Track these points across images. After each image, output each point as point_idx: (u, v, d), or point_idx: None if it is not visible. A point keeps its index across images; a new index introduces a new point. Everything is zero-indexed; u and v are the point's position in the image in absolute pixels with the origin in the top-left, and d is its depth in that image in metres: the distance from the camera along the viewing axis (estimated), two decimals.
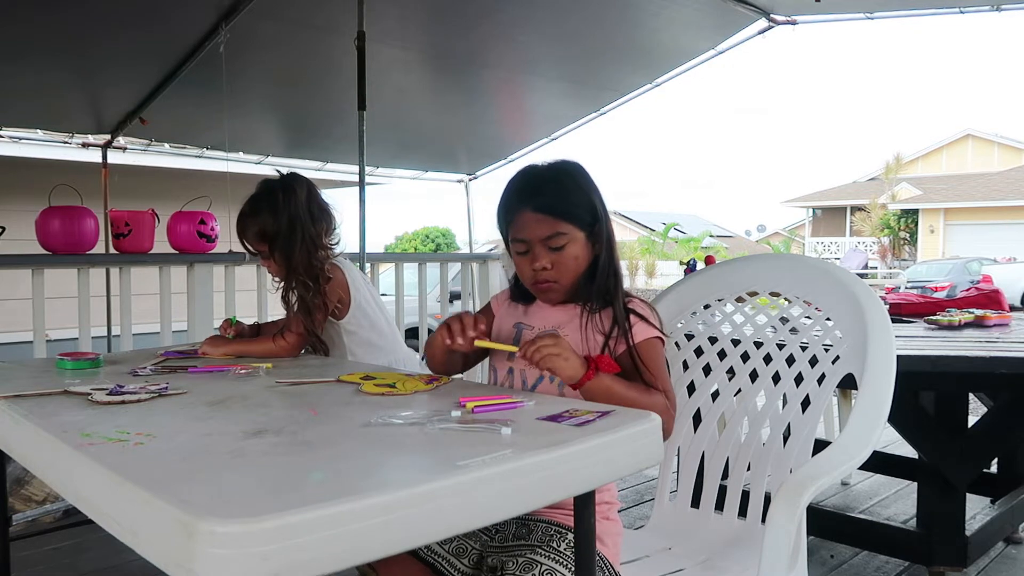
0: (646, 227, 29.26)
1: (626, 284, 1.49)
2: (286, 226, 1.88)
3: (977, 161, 28.49)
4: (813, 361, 1.59)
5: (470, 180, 6.46)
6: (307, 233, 1.88)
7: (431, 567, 1.35)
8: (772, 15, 4.44)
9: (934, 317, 2.62)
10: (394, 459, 0.97)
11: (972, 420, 2.43)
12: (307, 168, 6.70)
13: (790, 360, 1.63)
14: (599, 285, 1.43)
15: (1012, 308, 3.00)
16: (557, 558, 1.25)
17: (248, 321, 2.07)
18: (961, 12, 4.14)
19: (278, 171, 1.98)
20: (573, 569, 1.23)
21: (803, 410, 1.58)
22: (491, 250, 5.12)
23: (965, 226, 24.39)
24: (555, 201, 1.40)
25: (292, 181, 1.93)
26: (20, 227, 3.45)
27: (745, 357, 1.69)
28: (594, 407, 1.17)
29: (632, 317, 1.42)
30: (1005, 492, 2.63)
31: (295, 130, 5.74)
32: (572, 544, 1.26)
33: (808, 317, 1.68)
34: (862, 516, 2.83)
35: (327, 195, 2.02)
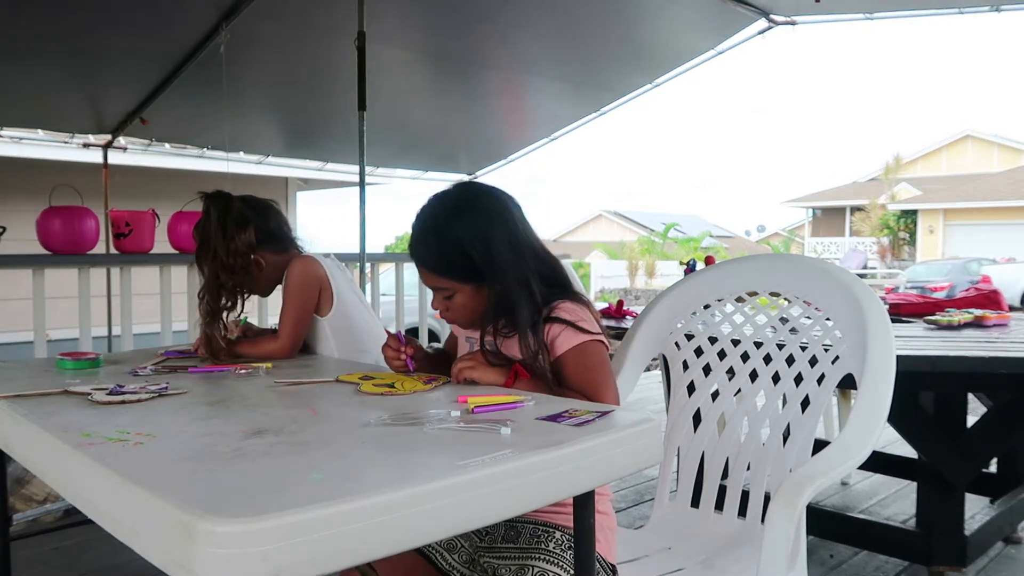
0: (646, 227, 29.26)
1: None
2: (201, 245, 1.90)
3: (977, 161, 28.47)
4: (813, 361, 1.59)
5: (470, 180, 6.46)
6: (217, 250, 1.87)
7: (427, 558, 1.38)
8: (772, 15, 4.44)
9: (933, 317, 2.62)
10: (394, 459, 0.97)
11: (972, 420, 2.43)
12: (307, 168, 6.70)
13: (790, 360, 1.63)
14: (497, 320, 1.38)
15: (1011, 308, 3.00)
16: (547, 558, 1.26)
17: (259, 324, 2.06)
18: (961, 12, 4.15)
19: (203, 194, 1.95)
20: (565, 566, 1.25)
21: (803, 410, 1.58)
22: None
23: (964, 226, 24.37)
24: (426, 259, 1.39)
25: (207, 202, 1.91)
26: (20, 227, 3.45)
27: (745, 357, 1.69)
28: (594, 407, 1.17)
29: (556, 327, 1.35)
30: (1004, 492, 2.63)
31: (295, 130, 5.75)
32: (561, 542, 1.28)
33: (808, 317, 1.68)
34: (862, 516, 2.83)
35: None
